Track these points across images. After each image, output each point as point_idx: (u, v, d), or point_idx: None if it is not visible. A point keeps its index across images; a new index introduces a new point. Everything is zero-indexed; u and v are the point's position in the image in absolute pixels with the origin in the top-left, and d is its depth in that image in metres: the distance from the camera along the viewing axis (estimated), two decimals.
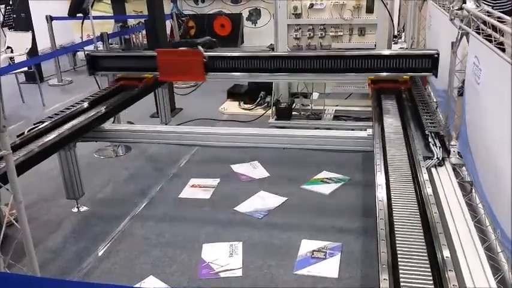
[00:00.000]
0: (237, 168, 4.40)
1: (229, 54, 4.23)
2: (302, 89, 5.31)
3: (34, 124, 3.37)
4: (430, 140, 2.66)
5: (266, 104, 5.96)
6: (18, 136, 3.17)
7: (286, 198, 3.77)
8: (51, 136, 3.16)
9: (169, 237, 3.35)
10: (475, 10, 3.35)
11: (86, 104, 3.80)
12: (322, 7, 4.94)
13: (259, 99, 6.04)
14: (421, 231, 1.81)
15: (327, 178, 4.10)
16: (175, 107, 6.15)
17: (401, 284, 1.48)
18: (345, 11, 4.90)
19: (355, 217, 3.50)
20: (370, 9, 4.86)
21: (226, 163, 4.48)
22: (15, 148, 2.91)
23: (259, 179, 4.17)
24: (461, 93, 3.56)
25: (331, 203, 3.73)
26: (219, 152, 4.68)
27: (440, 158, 2.47)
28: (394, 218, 1.88)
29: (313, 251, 3.08)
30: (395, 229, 1.80)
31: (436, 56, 3.70)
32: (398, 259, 1.62)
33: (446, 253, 1.65)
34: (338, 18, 4.93)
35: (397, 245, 1.70)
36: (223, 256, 3.08)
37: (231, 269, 2.94)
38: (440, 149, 2.56)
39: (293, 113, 5.39)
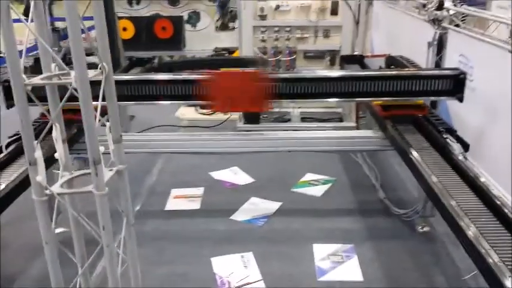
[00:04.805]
0: (217, 175, 4.22)
1: None
2: None
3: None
4: (445, 136, 2.72)
5: None
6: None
7: (281, 203, 3.67)
8: None
9: (171, 253, 3.11)
10: (458, 8, 3.50)
11: None
12: (288, 9, 4.92)
13: None
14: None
15: (313, 180, 4.06)
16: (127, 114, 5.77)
17: None
18: (311, 13, 4.92)
19: (354, 217, 3.49)
20: (334, 12, 4.93)
21: (203, 171, 4.28)
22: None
23: (244, 185, 4.04)
24: None
25: (327, 205, 3.70)
26: (193, 160, 4.45)
27: (462, 152, 2.54)
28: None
29: (329, 255, 3.02)
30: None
31: (461, 76, 2.94)
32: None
33: None
34: (304, 20, 4.94)
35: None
36: (237, 269, 2.91)
37: (251, 282, 2.78)
38: (458, 144, 2.63)
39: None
